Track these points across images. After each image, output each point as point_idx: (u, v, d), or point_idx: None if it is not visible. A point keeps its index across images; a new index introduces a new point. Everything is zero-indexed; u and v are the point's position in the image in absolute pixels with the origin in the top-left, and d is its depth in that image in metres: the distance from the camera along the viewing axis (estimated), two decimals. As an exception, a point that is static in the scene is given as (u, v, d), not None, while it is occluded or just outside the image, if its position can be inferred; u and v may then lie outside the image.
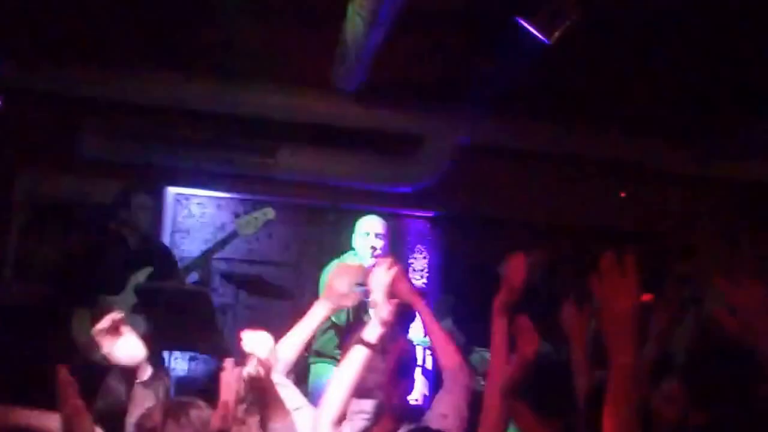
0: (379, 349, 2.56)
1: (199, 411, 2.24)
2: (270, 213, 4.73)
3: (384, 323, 2.57)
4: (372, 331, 2.56)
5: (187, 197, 5.93)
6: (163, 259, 4.74)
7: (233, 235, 4.73)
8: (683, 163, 5.91)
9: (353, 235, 4.65)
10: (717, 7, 3.89)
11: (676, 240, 6.23)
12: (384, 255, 4.69)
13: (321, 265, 4.66)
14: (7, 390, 2.92)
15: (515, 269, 2.90)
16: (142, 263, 4.55)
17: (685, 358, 4.19)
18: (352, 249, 4.68)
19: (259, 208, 4.87)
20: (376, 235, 4.61)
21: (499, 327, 2.58)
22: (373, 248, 4.57)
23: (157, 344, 4.44)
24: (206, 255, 4.77)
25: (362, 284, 2.89)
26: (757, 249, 6.07)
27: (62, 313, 4.50)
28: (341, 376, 2.53)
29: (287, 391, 2.58)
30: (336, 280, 2.90)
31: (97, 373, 3.84)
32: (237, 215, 4.80)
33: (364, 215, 4.72)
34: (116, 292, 4.48)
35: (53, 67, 5.10)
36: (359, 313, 4.36)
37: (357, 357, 2.52)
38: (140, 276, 4.50)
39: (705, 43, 4.38)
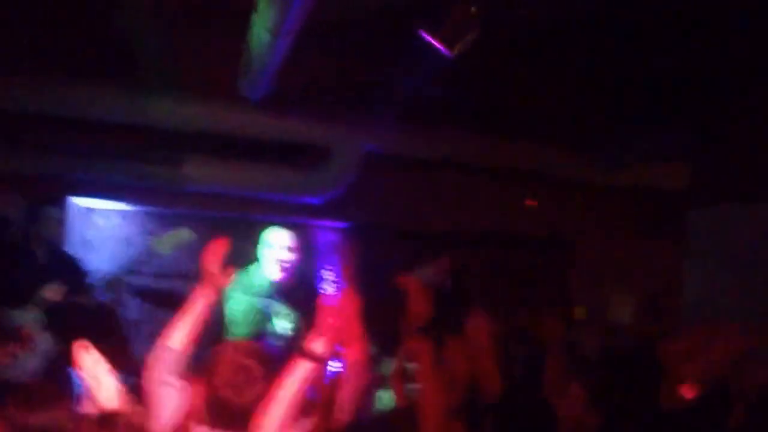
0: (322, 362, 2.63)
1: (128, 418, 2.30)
2: (187, 234, 4.69)
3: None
4: (317, 345, 2.62)
5: (91, 209, 5.78)
6: (72, 272, 4.65)
7: (149, 255, 4.67)
8: (585, 170, 6.08)
9: (259, 246, 4.65)
10: (618, 16, 4.06)
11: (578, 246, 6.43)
12: (292, 268, 4.71)
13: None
14: None
15: (414, 293, 3.03)
16: (51, 277, 4.44)
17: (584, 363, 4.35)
18: (257, 260, 4.68)
19: (173, 225, 4.82)
20: (282, 248, 4.61)
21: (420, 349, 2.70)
22: (280, 261, 4.58)
23: (64, 359, 4.38)
24: (122, 274, 4.69)
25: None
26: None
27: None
28: (286, 392, 2.54)
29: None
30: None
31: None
32: (152, 233, 4.74)
33: (272, 226, 4.71)
34: (22, 305, 4.37)
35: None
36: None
37: (302, 371, 2.58)
38: (48, 290, 4.39)
39: (606, 52, 4.55)
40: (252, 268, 4.71)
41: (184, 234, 4.69)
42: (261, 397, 2.50)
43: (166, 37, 4.44)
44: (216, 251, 2.96)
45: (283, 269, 4.62)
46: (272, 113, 5.25)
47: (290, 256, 4.64)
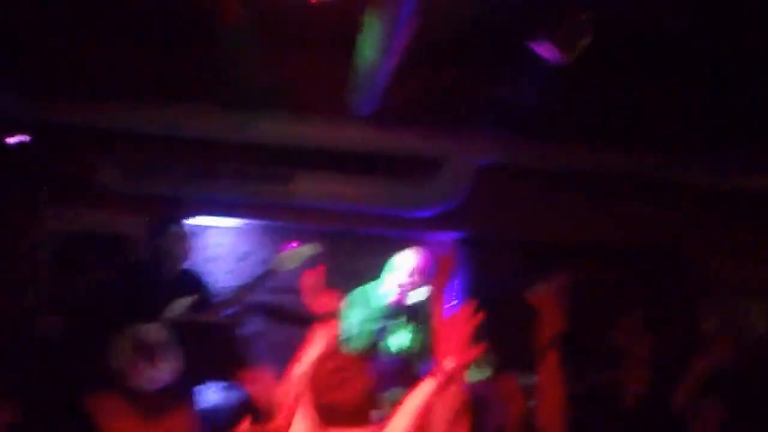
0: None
1: None
2: (310, 250, 4.76)
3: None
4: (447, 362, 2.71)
5: (207, 227, 5.95)
6: (196, 289, 4.80)
7: (273, 270, 4.77)
8: (701, 176, 5.82)
9: (387, 265, 4.67)
10: (727, 23, 3.88)
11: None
12: (413, 288, 4.71)
13: (342, 292, 4.69)
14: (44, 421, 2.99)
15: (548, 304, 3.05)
16: (177, 294, 4.60)
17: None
18: (379, 276, 4.71)
19: (287, 239, 4.91)
20: (407, 271, 4.62)
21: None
22: (402, 284, 4.59)
23: (191, 373, 4.54)
24: (245, 289, 4.80)
25: None
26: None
27: (98, 341, 4.56)
28: (409, 406, 2.65)
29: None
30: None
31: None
32: (272, 250, 4.85)
33: (388, 242, 4.75)
34: (151, 321, 4.53)
35: (72, 103, 5.15)
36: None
37: (426, 389, 2.67)
38: (176, 306, 4.55)
39: (716, 59, 4.36)
40: (370, 285, 4.73)
41: (307, 250, 4.75)
42: (364, 393, 2.67)
43: (274, 58, 4.51)
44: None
45: (403, 292, 4.64)
46: (382, 128, 5.24)
47: (414, 280, 4.65)
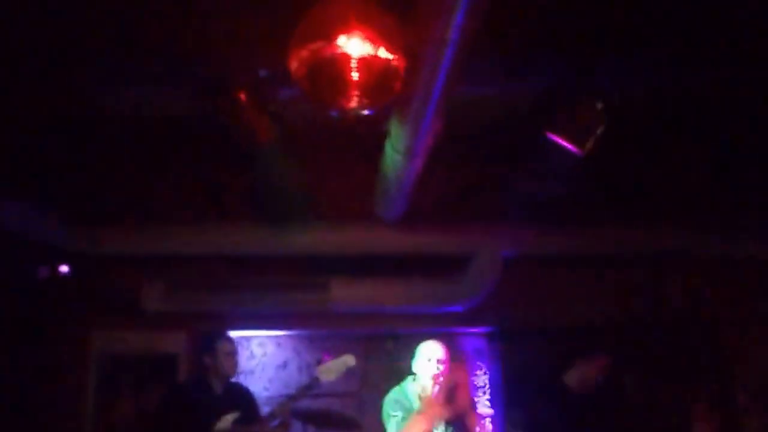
0: None
1: None
2: (351, 360, 4.84)
3: None
4: None
5: (247, 339, 6.08)
6: (244, 401, 4.87)
7: (316, 381, 4.84)
8: (718, 247, 5.90)
9: (414, 360, 4.72)
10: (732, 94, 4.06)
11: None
12: (445, 379, 4.76)
13: (382, 393, 4.76)
14: None
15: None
16: (226, 407, 4.68)
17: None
18: (412, 373, 4.75)
19: (324, 346, 4.99)
20: (438, 361, 4.68)
21: None
22: (436, 375, 4.64)
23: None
24: (290, 399, 4.86)
25: None
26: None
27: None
28: None
29: None
30: None
31: None
32: (319, 362, 4.93)
33: (423, 340, 4.80)
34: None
35: (115, 232, 5.39)
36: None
37: None
38: (226, 421, 4.61)
39: (718, 131, 4.53)
40: (406, 383, 4.78)
41: (347, 360, 4.83)
42: None
43: (306, 171, 4.72)
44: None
45: (438, 382, 4.68)
46: (409, 230, 5.42)
47: (444, 369, 4.69)
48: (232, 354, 4.93)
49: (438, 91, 3.27)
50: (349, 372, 4.95)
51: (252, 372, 6.07)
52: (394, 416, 4.67)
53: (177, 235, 5.34)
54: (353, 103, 3.06)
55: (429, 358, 4.70)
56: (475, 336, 6.27)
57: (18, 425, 5.28)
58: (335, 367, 4.81)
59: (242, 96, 4.01)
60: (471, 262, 5.62)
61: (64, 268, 5.51)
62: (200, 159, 4.88)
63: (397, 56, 2.94)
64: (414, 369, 4.73)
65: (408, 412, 4.69)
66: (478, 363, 6.28)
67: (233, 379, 5.10)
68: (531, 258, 5.85)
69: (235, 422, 4.66)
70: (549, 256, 5.87)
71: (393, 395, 4.78)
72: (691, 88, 4.12)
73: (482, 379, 6.23)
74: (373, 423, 4.91)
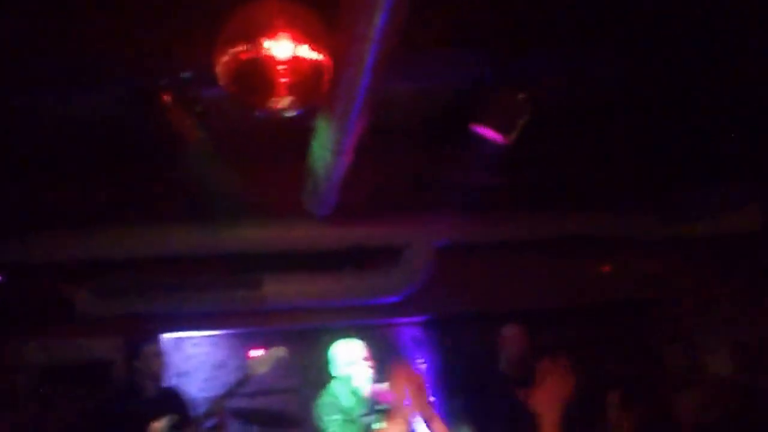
0: None
1: None
2: (282, 351, 4.83)
3: None
4: None
5: (182, 339, 6.02)
6: (177, 403, 4.83)
7: (248, 376, 4.82)
8: (650, 229, 6.08)
9: (334, 365, 4.73)
10: (657, 80, 4.18)
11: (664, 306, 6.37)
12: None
13: (322, 387, 4.78)
14: None
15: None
16: (162, 412, 4.63)
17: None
18: (336, 378, 4.75)
19: (260, 343, 4.99)
20: (364, 359, 4.70)
21: None
22: (371, 371, 4.66)
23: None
24: (223, 398, 4.83)
25: None
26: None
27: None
28: None
29: None
30: None
31: None
32: (249, 356, 4.91)
33: (339, 340, 4.82)
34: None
35: (40, 238, 5.26)
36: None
37: None
38: (158, 425, 4.56)
39: (649, 120, 4.66)
40: (334, 385, 4.78)
41: (279, 352, 4.83)
42: None
43: (234, 171, 4.69)
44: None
45: (369, 380, 4.70)
46: (340, 224, 5.43)
47: (371, 365, 4.72)
48: (159, 355, 4.88)
49: (364, 89, 3.27)
50: (290, 369, 4.97)
51: (187, 373, 6.02)
52: (334, 420, 4.67)
53: (107, 239, 5.24)
54: (281, 104, 3.06)
55: (353, 359, 4.70)
56: (411, 326, 6.35)
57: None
58: (266, 359, 4.81)
59: (167, 98, 3.96)
60: (404, 252, 5.68)
61: (-4, 279, 5.37)
62: (128, 161, 4.79)
63: (322, 56, 2.95)
64: (335, 373, 4.74)
65: (345, 413, 4.70)
66: (416, 352, 6.35)
67: (166, 383, 5.06)
68: (463, 246, 5.94)
69: (170, 426, 4.62)
70: (480, 244, 5.97)
71: (326, 399, 4.77)
72: (609, 77, 4.22)
73: (421, 368, 6.30)
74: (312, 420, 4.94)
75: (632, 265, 6.42)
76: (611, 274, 6.35)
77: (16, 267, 5.39)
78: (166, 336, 5.86)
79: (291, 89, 2.97)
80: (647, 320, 6.45)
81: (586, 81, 4.25)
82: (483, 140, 4.20)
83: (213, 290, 5.55)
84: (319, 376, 5.56)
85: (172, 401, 4.86)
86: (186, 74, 3.85)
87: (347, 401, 4.71)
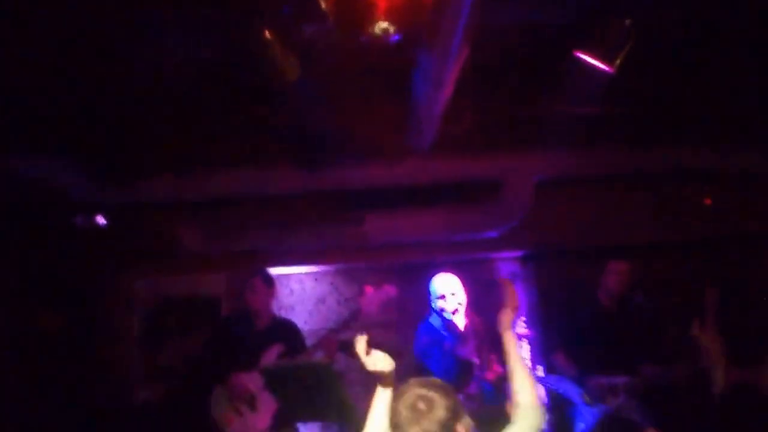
0: None
1: None
2: (392, 291, 4.93)
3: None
4: None
5: (286, 276, 6.20)
6: (286, 336, 5.01)
7: (358, 313, 4.95)
8: (755, 163, 5.85)
9: (432, 298, 4.80)
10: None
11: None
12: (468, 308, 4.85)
13: (420, 321, 4.88)
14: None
15: None
16: (273, 342, 4.82)
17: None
18: (432, 312, 4.83)
19: (361, 279, 5.09)
20: (452, 294, 4.76)
21: None
22: (455, 310, 4.72)
23: (289, 417, 4.73)
24: (333, 333, 4.99)
25: None
26: None
27: (198, 400, 4.80)
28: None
29: None
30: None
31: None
32: (361, 294, 5.02)
33: (438, 274, 4.87)
34: (247, 369, 4.76)
35: (146, 179, 5.46)
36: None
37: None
38: (271, 355, 4.76)
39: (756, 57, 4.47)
40: (430, 319, 4.87)
41: (388, 291, 4.92)
42: (442, 424, 2.58)
43: (335, 108, 4.74)
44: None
45: (459, 312, 4.76)
46: (440, 160, 5.44)
47: (463, 299, 4.77)
48: (267, 289, 5.05)
49: (464, 19, 3.27)
50: (388, 303, 5.06)
51: (292, 308, 6.21)
52: (430, 352, 4.77)
53: (211, 179, 5.40)
54: (382, 27, 3.07)
55: (443, 293, 4.76)
56: (509, 261, 6.35)
57: (66, 376, 5.44)
58: (377, 299, 4.91)
59: (268, 34, 4.01)
60: (503, 187, 5.65)
61: (101, 220, 5.62)
62: (230, 101, 4.90)
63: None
64: (433, 306, 4.81)
65: (440, 346, 4.79)
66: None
67: (274, 315, 5.24)
68: (563, 180, 5.87)
69: (280, 356, 4.81)
70: (580, 178, 5.89)
71: (423, 332, 4.87)
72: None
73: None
74: (413, 351, 5.05)
75: (737, 198, 6.20)
76: (714, 207, 6.16)
77: (128, 207, 5.63)
78: (273, 272, 6.05)
79: (391, 11, 2.97)
80: (755, 254, 6.24)
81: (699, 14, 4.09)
82: (586, 70, 4.12)
83: (315, 228, 5.67)
84: (417, 310, 5.67)
85: (283, 332, 5.05)
86: (287, 8, 3.88)
87: (442, 334, 4.80)
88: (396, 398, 2.69)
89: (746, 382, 4.43)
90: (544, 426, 2.88)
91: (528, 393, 2.94)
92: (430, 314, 4.98)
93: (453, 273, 5.01)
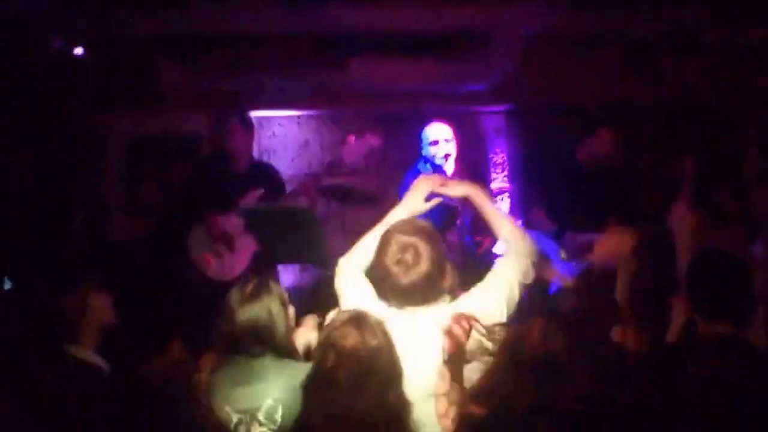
0: None
1: (379, 320, 2.35)
2: (374, 140, 4.86)
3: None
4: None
5: (268, 119, 6.14)
6: (266, 179, 5.01)
7: (340, 160, 4.92)
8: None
9: (422, 145, 4.78)
10: None
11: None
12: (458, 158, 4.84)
13: (402, 170, 4.87)
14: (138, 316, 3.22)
15: None
16: (253, 185, 4.82)
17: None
18: (423, 158, 4.82)
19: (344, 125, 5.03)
20: (446, 141, 4.73)
21: None
22: (447, 155, 4.70)
23: (267, 258, 4.80)
24: (314, 178, 4.99)
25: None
26: None
27: (176, 237, 4.85)
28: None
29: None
30: (414, 192, 3.00)
31: (213, 291, 4.20)
32: (344, 142, 4.96)
33: (431, 123, 4.83)
34: (226, 211, 4.78)
35: (126, 11, 5.27)
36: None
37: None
38: (251, 197, 4.78)
39: None
40: (418, 165, 4.86)
41: (371, 140, 4.87)
42: (429, 276, 2.55)
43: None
44: None
45: (449, 160, 4.75)
46: (429, 6, 5.27)
47: (453, 146, 4.75)
48: (245, 133, 5.00)
49: None
50: (371, 151, 5.04)
51: (274, 151, 6.18)
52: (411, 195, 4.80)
53: (195, 14, 5.22)
54: None
55: (436, 139, 4.73)
56: (494, 114, 6.31)
57: (45, 212, 5.44)
58: (359, 148, 4.88)
59: None
60: (491, 39, 5.53)
61: (78, 50, 5.46)
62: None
63: None
64: (424, 153, 4.79)
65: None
66: (497, 141, 6.36)
67: (255, 158, 5.22)
68: (552, 37, 5.74)
69: (260, 199, 4.82)
70: (570, 36, 5.75)
71: (409, 176, 4.88)
72: None
73: (500, 156, 6.34)
74: (393, 198, 5.06)
75: (729, 70, 6.11)
76: (704, 77, 6.07)
77: (107, 40, 5.46)
78: (254, 114, 5.98)
79: None
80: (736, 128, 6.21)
81: None
82: None
83: (299, 69, 5.57)
84: (399, 159, 5.68)
85: (264, 176, 5.04)
86: None
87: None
88: (381, 249, 2.62)
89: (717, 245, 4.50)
90: (534, 259, 2.78)
91: (514, 231, 2.85)
92: (418, 161, 4.95)
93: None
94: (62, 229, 5.43)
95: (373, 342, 2.24)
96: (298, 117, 6.20)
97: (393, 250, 2.55)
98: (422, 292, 2.58)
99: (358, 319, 2.30)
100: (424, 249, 2.54)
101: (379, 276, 2.65)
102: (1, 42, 4.98)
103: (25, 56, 5.24)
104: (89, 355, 2.85)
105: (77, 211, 5.68)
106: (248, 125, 5.07)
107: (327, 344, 2.26)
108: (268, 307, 2.61)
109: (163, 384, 2.46)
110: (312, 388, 2.23)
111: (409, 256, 2.53)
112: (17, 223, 4.96)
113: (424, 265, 2.53)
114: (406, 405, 2.26)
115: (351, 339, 2.22)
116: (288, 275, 5.82)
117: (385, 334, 2.30)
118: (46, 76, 5.44)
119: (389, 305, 2.63)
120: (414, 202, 2.97)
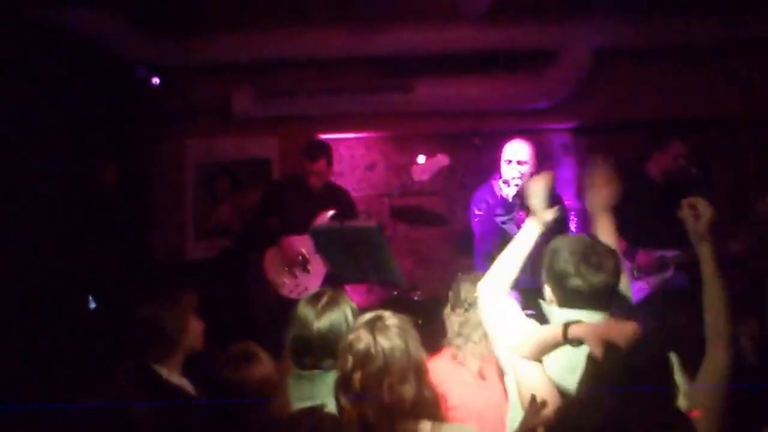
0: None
1: (396, 320, 2.38)
2: (444, 160, 4.86)
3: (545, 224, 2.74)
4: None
5: (336, 141, 6.22)
6: (344, 201, 5.09)
7: (409, 181, 4.94)
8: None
9: (502, 161, 4.76)
10: None
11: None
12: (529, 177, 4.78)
13: (469, 190, 4.87)
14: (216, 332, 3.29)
15: None
16: (325, 206, 4.91)
17: None
18: (499, 175, 4.80)
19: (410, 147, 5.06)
20: (518, 163, 4.65)
21: None
22: (520, 175, 4.65)
23: (337, 279, 4.86)
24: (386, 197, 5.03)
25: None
26: None
27: (253, 256, 4.96)
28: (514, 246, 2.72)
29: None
30: (532, 198, 2.84)
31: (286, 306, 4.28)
32: (413, 162, 4.99)
33: (509, 139, 4.79)
34: (300, 233, 4.87)
35: (199, 40, 5.46)
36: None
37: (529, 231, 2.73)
38: (324, 217, 4.86)
39: None
40: (493, 182, 4.84)
41: (441, 160, 4.88)
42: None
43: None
44: None
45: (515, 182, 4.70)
46: (493, 25, 5.32)
47: (527, 169, 4.69)
48: (326, 157, 5.07)
49: None
50: (440, 171, 5.05)
51: (341, 173, 6.26)
52: (477, 213, 4.76)
53: (263, 41, 5.38)
54: None
55: (510, 158, 4.67)
56: (561, 131, 6.27)
57: (123, 230, 5.60)
58: (429, 167, 4.88)
59: None
60: (558, 56, 5.52)
61: (155, 80, 5.67)
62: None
63: None
64: (502, 169, 4.77)
65: (490, 209, 4.76)
66: (565, 159, 6.32)
67: (329, 181, 5.30)
68: (619, 51, 5.72)
69: (331, 219, 4.89)
70: (638, 50, 5.72)
71: (479, 193, 4.85)
72: None
73: (568, 173, 6.29)
74: (460, 218, 5.08)
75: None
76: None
77: (178, 69, 5.65)
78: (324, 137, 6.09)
79: None
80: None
81: None
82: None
83: (365, 92, 5.65)
84: (465, 178, 5.70)
85: (336, 197, 5.11)
86: None
87: (496, 197, 4.75)
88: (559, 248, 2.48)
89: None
90: None
91: None
92: (494, 177, 4.90)
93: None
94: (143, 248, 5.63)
95: (386, 343, 2.29)
96: (366, 139, 6.28)
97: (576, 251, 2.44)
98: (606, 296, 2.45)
99: (373, 322, 2.36)
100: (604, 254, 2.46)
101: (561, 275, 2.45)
102: (87, 70, 5.21)
103: (111, 84, 5.47)
104: (176, 377, 2.90)
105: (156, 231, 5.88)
106: (326, 150, 5.14)
107: (344, 349, 2.33)
108: (345, 314, 2.67)
109: (255, 393, 2.51)
110: (337, 393, 2.30)
111: (594, 259, 2.42)
112: (104, 244, 5.15)
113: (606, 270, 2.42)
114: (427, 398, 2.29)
115: (364, 342, 2.30)
116: (354, 296, 5.85)
117: (402, 335, 2.33)
118: (129, 103, 5.67)
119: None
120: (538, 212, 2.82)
